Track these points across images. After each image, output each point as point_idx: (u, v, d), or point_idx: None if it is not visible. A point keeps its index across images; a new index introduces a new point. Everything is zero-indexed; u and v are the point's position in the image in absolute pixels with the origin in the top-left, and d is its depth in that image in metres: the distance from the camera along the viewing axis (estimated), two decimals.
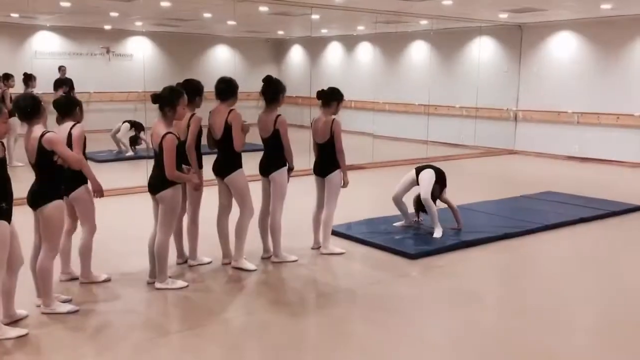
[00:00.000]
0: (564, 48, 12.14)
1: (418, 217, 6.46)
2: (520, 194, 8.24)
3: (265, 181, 5.39)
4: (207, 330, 4.02)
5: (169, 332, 4.04)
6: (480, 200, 7.73)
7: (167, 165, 4.39)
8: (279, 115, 5.23)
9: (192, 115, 4.93)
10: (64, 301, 4.35)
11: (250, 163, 5.30)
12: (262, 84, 5.27)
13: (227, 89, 5.05)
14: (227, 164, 5.06)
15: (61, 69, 12.56)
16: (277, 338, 3.94)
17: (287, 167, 5.30)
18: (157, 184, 4.54)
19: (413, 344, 3.87)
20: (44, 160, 4.03)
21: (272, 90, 5.24)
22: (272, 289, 4.88)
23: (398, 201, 6.37)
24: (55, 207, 4.07)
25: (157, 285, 4.64)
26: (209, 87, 5.14)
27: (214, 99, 5.13)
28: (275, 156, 5.27)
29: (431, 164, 6.69)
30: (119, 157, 10.76)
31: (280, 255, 5.41)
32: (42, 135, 3.99)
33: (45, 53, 14.30)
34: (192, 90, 4.92)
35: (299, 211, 6.12)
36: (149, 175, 4.69)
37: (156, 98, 4.49)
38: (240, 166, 5.09)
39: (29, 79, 10.97)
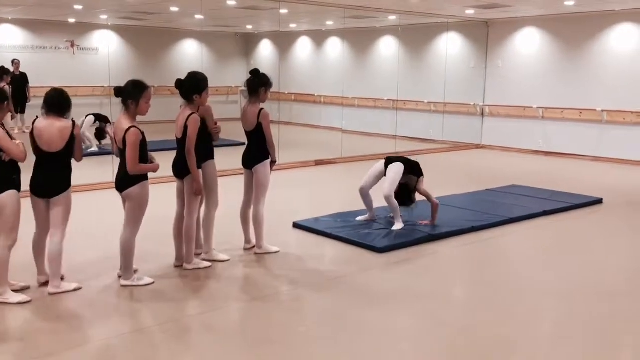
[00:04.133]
0: (529, 44, 12.34)
1: (410, 204, 6.40)
2: (486, 188, 8.37)
3: (248, 174, 5.40)
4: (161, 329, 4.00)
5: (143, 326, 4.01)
6: (448, 194, 7.83)
7: (130, 158, 4.34)
8: (262, 108, 5.24)
9: (190, 115, 4.78)
10: (21, 289, 4.37)
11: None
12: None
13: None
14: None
15: (14, 62, 12.29)
16: (245, 333, 3.94)
17: (270, 160, 5.32)
18: (123, 181, 4.48)
19: (377, 337, 3.90)
20: None
21: (257, 83, 5.23)
22: (246, 282, 4.87)
23: (365, 194, 6.39)
24: (9, 196, 4.12)
25: (123, 282, 4.59)
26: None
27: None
28: (258, 149, 5.29)
29: (404, 156, 6.70)
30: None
31: (263, 247, 5.44)
32: None
33: (6, 47, 13.96)
34: (190, 86, 4.82)
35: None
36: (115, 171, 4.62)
37: (119, 91, 4.44)
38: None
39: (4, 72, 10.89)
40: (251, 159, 5.32)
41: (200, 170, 4.88)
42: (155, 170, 4.57)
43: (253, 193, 5.38)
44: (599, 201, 7.76)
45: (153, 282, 4.66)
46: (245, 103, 5.39)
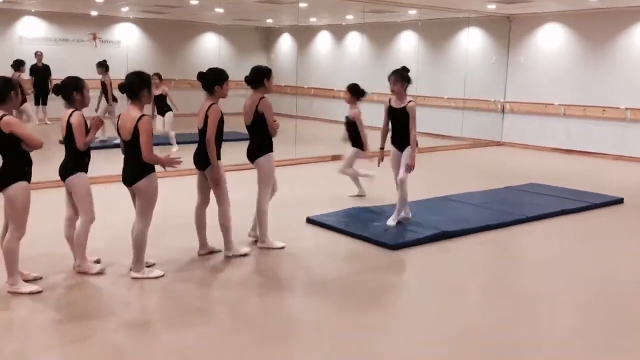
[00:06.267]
0: (551, 40, 12.14)
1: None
2: (505, 186, 8.26)
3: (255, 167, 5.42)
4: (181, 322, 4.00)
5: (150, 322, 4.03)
6: (465, 191, 7.74)
7: (144, 146, 4.35)
8: (262, 97, 5.22)
9: (211, 105, 4.88)
10: (33, 279, 4.45)
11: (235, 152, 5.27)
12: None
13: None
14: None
15: (37, 54, 12.42)
16: (253, 328, 3.94)
17: (272, 152, 5.31)
18: (131, 174, 4.49)
19: (386, 334, 3.86)
20: (4, 143, 4.13)
21: (255, 76, 5.27)
22: (259, 275, 4.87)
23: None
24: (19, 188, 4.17)
25: (133, 274, 4.61)
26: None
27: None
28: (259, 142, 5.28)
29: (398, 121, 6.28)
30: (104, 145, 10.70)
31: (267, 242, 5.44)
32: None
33: (29, 39, 14.14)
34: (211, 78, 4.92)
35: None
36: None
37: (125, 85, 4.50)
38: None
39: (20, 64, 11.07)
40: (253, 152, 5.33)
41: (220, 161, 4.91)
42: (164, 164, 4.55)
43: (259, 186, 5.40)
44: (619, 201, 7.61)
45: (163, 275, 4.68)
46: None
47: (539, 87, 12.36)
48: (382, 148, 6.36)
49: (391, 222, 6.06)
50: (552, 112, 12.11)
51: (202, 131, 4.91)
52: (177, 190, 6.65)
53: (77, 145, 4.48)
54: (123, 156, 4.60)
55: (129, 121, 4.42)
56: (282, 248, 5.44)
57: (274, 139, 5.35)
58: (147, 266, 4.76)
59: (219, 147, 4.94)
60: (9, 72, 10.71)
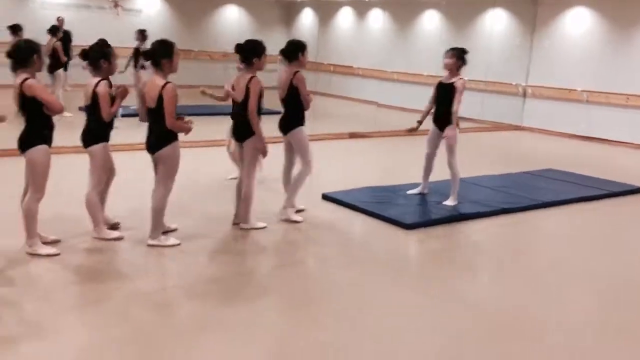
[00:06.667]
0: (578, 24, 11.91)
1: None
2: (523, 170, 8.19)
3: (286, 140, 5.52)
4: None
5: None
6: (483, 174, 7.69)
7: (169, 113, 4.37)
8: (297, 71, 5.30)
9: (252, 77, 4.93)
10: (52, 242, 4.52)
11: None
12: (278, 46, 5.46)
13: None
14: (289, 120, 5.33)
15: (58, 19, 12.42)
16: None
17: (304, 125, 5.41)
18: (155, 142, 4.52)
19: (398, 315, 3.88)
20: (26, 106, 4.17)
21: (291, 49, 5.36)
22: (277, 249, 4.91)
23: (430, 158, 6.30)
24: (39, 151, 4.22)
25: (150, 242, 4.66)
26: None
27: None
28: (293, 115, 5.38)
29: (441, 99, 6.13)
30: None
31: (289, 211, 5.50)
32: (22, 82, 4.09)
33: (52, 4, 14.16)
34: (250, 50, 4.96)
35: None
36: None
37: (150, 53, 4.49)
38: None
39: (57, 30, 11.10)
40: (286, 124, 5.42)
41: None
42: (187, 131, 4.57)
43: (294, 158, 5.54)
44: (638, 190, 7.52)
45: (179, 244, 4.72)
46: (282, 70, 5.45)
47: (562, 72, 12.16)
48: (419, 122, 6.29)
49: (450, 201, 6.10)
50: (575, 97, 11.93)
51: (243, 103, 4.95)
52: (200, 160, 6.69)
53: (102, 114, 4.50)
54: (144, 124, 4.63)
55: (153, 89, 4.43)
56: (297, 222, 5.47)
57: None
58: (169, 231, 4.82)
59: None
60: (35, 36, 10.75)
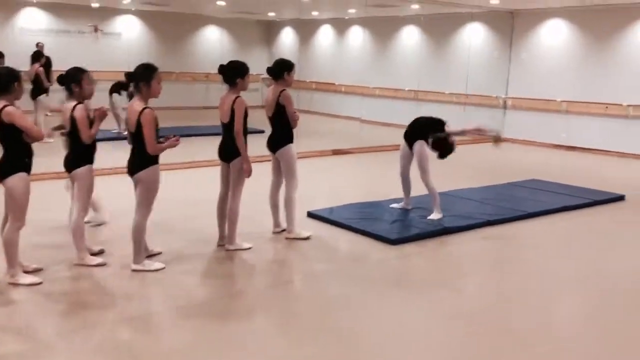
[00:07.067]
0: (554, 36, 12.09)
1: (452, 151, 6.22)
2: (506, 182, 8.24)
3: (274, 158, 5.54)
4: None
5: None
6: (466, 186, 7.72)
7: (148, 138, 4.34)
8: (283, 90, 5.35)
9: (237, 98, 4.94)
10: (34, 270, 4.45)
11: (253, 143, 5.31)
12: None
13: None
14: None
15: (38, 45, 12.38)
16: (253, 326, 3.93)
17: (292, 143, 5.43)
18: (133, 165, 4.48)
19: (387, 329, 3.85)
20: (4, 133, 4.13)
21: (277, 68, 5.41)
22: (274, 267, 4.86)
23: (404, 177, 6.39)
24: (18, 179, 4.17)
25: (134, 267, 4.60)
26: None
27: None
28: (281, 133, 5.41)
29: (418, 117, 6.40)
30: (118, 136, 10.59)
31: (294, 232, 5.54)
32: (1, 109, 4.06)
33: (31, 30, 14.09)
34: (233, 71, 4.97)
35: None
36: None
37: (131, 76, 4.45)
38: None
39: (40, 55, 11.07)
40: (274, 142, 5.44)
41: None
42: (174, 145, 4.53)
43: (281, 177, 5.54)
44: (620, 198, 7.59)
45: (164, 268, 4.67)
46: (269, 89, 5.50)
47: (541, 83, 12.31)
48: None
49: (434, 215, 6.13)
50: (554, 108, 12.08)
51: (228, 125, 4.96)
52: (184, 181, 6.64)
53: (82, 137, 4.47)
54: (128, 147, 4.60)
55: (132, 114, 4.41)
56: (308, 238, 5.51)
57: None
58: (153, 254, 4.77)
59: (245, 140, 4.99)
60: (16, 62, 10.68)
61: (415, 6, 12.59)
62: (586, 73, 11.62)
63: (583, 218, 6.76)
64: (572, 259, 5.41)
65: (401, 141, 6.37)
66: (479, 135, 6.22)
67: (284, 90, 5.34)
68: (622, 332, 3.94)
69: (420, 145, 6.12)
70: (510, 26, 12.76)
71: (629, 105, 10.99)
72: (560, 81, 12.00)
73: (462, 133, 6.27)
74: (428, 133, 6.09)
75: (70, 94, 4.56)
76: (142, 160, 4.43)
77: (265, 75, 5.54)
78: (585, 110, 11.62)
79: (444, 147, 6.08)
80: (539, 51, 12.37)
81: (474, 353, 3.59)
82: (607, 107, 11.29)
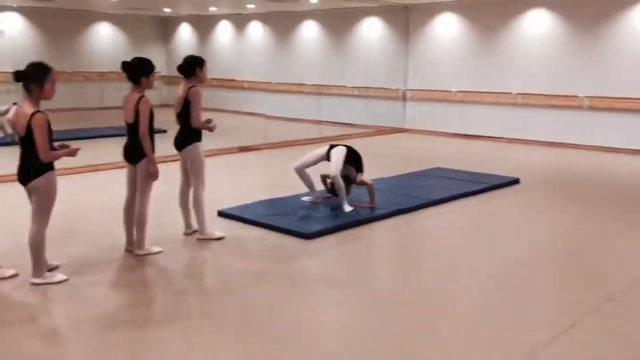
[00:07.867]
0: (448, 29, 12.58)
1: (333, 193, 6.41)
2: (411, 171, 8.48)
3: (182, 157, 5.39)
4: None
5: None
6: (373, 177, 7.85)
7: (40, 145, 4.04)
8: (192, 86, 5.21)
9: (141, 97, 4.70)
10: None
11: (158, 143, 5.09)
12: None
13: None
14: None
15: None
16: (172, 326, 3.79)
17: (200, 141, 5.31)
18: (27, 172, 4.17)
19: (304, 327, 3.84)
20: None
21: (187, 65, 5.27)
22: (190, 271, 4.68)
23: (300, 172, 6.39)
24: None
25: (34, 280, 4.28)
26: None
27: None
28: (188, 131, 5.27)
29: (347, 144, 6.63)
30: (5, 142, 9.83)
31: (206, 232, 5.39)
32: None
33: None
34: (137, 69, 4.74)
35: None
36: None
37: (20, 75, 4.12)
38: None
39: None
40: (181, 141, 5.31)
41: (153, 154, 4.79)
42: (72, 155, 4.26)
43: (190, 177, 5.39)
44: (516, 181, 8.03)
45: (67, 279, 4.38)
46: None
47: (437, 75, 12.78)
48: None
49: (347, 209, 6.17)
50: (450, 98, 12.59)
51: (133, 125, 4.73)
52: (84, 186, 6.28)
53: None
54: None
55: (22, 117, 4.08)
56: (221, 238, 5.38)
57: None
58: (51, 269, 4.46)
59: (152, 140, 4.79)
60: None
61: (314, 1, 12.66)
62: (478, 64, 12.19)
63: (484, 202, 7.08)
64: (474, 242, 5.65)
65: (320, 148, 6.48)
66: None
67: (193, 86, 5.20)
68: (519, 312, 4.15)
69: (341, 149, 6.28)
70: (406, 20, 13.14)
71: (517, 94, 11.65)
72: (455, 72, 12.51)
73: (363, 185, 6.36)
74: (349, 156, 6.27)
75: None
76: (35, 168, 4.13)
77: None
78: (479, 99, 12.20)
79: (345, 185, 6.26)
80: (434, 44, 12.83)
81: (388, 338, 3.65)
82: (498, 96, 11.91)
